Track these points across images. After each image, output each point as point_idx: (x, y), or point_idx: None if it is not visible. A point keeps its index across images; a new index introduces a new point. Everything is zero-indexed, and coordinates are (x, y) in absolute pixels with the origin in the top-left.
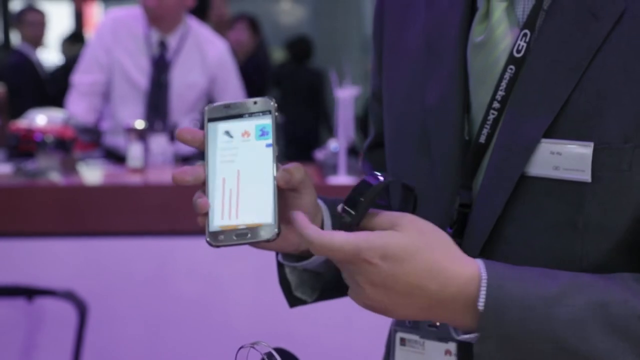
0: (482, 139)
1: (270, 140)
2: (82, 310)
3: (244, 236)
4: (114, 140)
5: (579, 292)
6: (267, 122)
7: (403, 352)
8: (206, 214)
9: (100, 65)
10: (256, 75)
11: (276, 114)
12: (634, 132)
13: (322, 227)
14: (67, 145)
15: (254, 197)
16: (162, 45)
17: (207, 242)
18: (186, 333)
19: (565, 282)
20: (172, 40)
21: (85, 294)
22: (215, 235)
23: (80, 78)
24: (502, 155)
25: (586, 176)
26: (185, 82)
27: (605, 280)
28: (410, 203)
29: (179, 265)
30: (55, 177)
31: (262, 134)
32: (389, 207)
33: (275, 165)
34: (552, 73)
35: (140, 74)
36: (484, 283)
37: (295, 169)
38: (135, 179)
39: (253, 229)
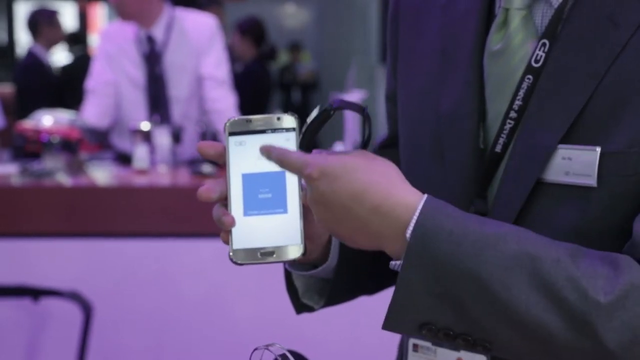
0: (499, 149)
1: None
2: (87, 310)
3: (269, 255)
4: (123, 143)
5: (514, 241)
6: (291, 139)
7: (415, 358)
8: (229, 231)
9: (109, 68)
10: (246, 87)
11: (300, 131)
12: None
13: (330, 247)
14: (73, 146)
15: (279, 216)
16: (150, 39)
17: (231, 259)
18: (191, 334)
19: (506, 230)
20: (158, 33)
21: (90, 295)
22: (239, 253)
23: (94, 81)
24: (518, 163)
25: (592, 181)
26: (178, 69)
27: (550, 241)
28: (366, 125)
29: (184, 266)
30: (61, 177)
31: None
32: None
33: (300, 183)
34: (569, 81)
35: (139, 72)
36: (417, 213)
37: None
38: (141, 181)
39: (279, 249)
